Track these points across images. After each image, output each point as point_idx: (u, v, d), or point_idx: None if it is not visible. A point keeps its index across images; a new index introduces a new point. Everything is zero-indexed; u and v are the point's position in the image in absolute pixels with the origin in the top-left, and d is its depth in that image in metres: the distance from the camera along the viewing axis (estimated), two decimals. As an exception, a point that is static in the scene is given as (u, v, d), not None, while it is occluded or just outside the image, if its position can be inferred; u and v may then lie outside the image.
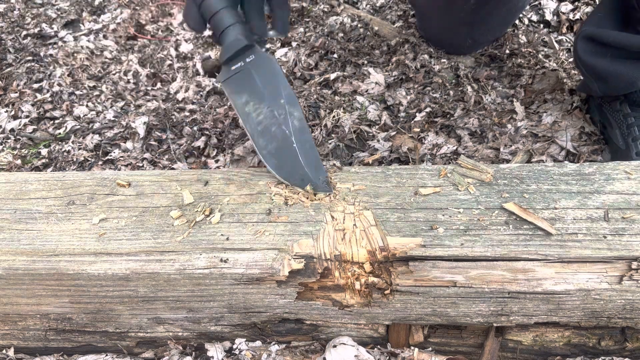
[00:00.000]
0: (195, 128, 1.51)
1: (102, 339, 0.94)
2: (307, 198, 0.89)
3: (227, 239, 0.83)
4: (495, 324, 0.85)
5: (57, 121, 1.61)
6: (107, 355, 0.94)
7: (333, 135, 1.42)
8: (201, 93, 1.66)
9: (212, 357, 0.88)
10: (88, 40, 1.99)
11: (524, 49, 1.64)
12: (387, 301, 0.83)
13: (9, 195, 0.95)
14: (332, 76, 1.61)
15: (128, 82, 1.77)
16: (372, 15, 1.91)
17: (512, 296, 0.80)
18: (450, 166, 0.93)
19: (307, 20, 1.95)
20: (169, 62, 1.83)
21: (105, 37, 2.02)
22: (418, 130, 1.41)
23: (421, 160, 1.33)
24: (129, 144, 1.49)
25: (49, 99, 1.69)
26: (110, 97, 1.69)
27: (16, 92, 1.72)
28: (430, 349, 0.92)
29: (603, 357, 0.88)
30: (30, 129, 1.59)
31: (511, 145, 1.33)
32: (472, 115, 1.43)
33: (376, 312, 0.85)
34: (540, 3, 1.82)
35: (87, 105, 1.65)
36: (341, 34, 1.82)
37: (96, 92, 1.71)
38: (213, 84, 1.69)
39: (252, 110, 0.98)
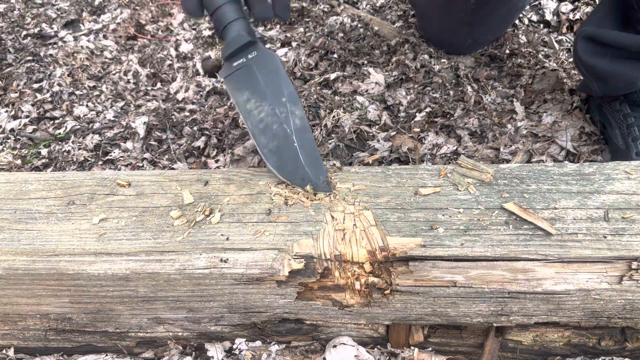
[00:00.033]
0: (195, 128, 1.51)
1: (102, 339, 0.94)
2: (307, 198, 0.89)
3: (227, 239, 0.83)
4: (495, 324, 0.85)
5: (57, 121, 1.61)
6: (107, 355, 0.94)
7: (333, 135, 1.42)
8: (201, 93, 1.66)
9: (212, 357, 0.88)
10: (88, 40, 1.99)
11: (524, 49, 1.64)
12: (387, 301, 0.83)
13: (9, 195, 0.95)
14: (332, 76, 1.61)
15: (128, 82, 1.77)
16: (372, 15, 1.91)
17: (512, 296, 0.80)
18: (450, 166, 0.93)
19: (307, 20, 1.95)
20: (169, 62, 1.83)
21: (105, 37, 2.02)
22: (418, 130, 1.41)
23: (421, 160, 1.33)
24: (129, 144, 1.49)
25: (49, 99, 1.69)
26: (110, 97, 1.69)
27: (16, 92, 1.72)
28: (430, 349, 0.92)
29: (603, 357, 0.88)
30: (30, 129, 1.59)
31: (511, 145, 1.33)
32: (472, 115, 1.43)
33: (376, 312, 0.85)
34: (540, 3, 1.82)
35: (87, 105, 1.65)
36: (341, 34, 1.82)
37: (96, 92, 1.71)
38: (213, 84, 1.69)
39: (253, 107, 0.97)
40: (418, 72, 1.59)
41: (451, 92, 1.51)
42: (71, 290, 0.85)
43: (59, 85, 1.74)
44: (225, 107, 1.59)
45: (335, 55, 1.71)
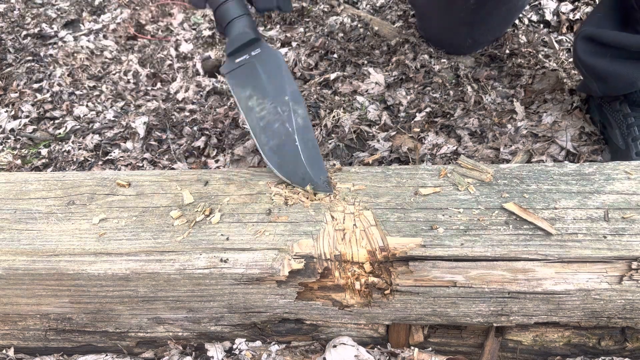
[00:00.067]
0: (195, 128, 1.51)
1: (102, 339, 0.94)
2: (307, 198, 0.89)
3: (227, 239, 0.83)
4: (495, 324, 0.85)
5: (57, 121, 1.61)
6: (107, 355, 0.94)
7: (333, 135, 1.42)
8: (201, 93, 1.66)
9: (212, 357, 0.88)
10: (88, 40, 1.99)
11: (524, 49, 1.64)
12: (387, 301, 0.83)
13: (9, 195, 0.95)
14: (332, 76, 1.61)
15: (128, 82, 1.77)
16: (372, 15, 1.91)
17: (512, 296, 0.80)
18: (450, 166, 0.93)
19: (307, 20, 1.95)
20: (169, 62, 1.83)
21: (105, 37, 2.02)
22: (418, 130, 1.41)
23: (421, 160, 1.33)
24: (129, 144, 1.49)
25: (49, 99, 1.69)
26: (110, 97, 1.69)
27: (16, 92, 1.72)
28: (430, 349, 0.92)
29: (603, 357, 0.88)
30: (30, 129, 1.59)
31: (511, 145, 1.33)
32: (472, 115, 1.43)
33: (376, 312, 0.85)
34: (540, 3, 1.82)
35: (87, 105, 1.65)
36: (341, 34, 1.82)
37: (96, 92, 1.71)
38: (213, 84, 1.69)
39: (255, 104, 0.97)
40: (418, 72, 1.59)
41: (451, 92, 1.51)
42: (71, 290, 0.85)
43: (59, 85, 1.74)
44: (225, 107, 1.59)
45: (335, 55, 1.71)
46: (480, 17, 1.50)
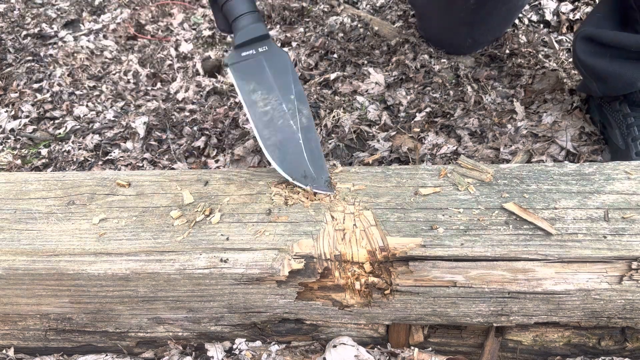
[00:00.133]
0: (195, 128, 1.51)
1: (102, 339, 0.94)
2: (307, 198, 0.89)
3: (227, 239, 0.83)
4: (495, 324, 0.85)
5: (57, 121, 1.61)
6: (107, 355, 0.94)
7: (333, 135, 1.42)
8: (201, 93, 1.66)
9: (212, 357, 0.88)
10: (88, 40, 1.99)
11: (524, 49, 1.64)
12: (387, 301, 0.83)
13: (9, 195, 0.95)
14: (332, 76, 1.61)
15: (128, 82, 1.77)
16: (372, 15, 1.91)
17: (512, 296, 0.80)
18: (450, 166, 0.93)
19: (307, 20, 1.95)
20: (169, 62, 1.84)
21: (105, 37, 2.02)
22: (418, 130, 1.41)
23: (421, 160, 1.33)
24: (129, 144, 1.49)
25: (49, 99, 1.69)
26: (110, 97, 1.69)
27: (16, 92, 1.72)
28: (430, 349, 0.92)
29: (603, 357, 0.88)
30: (30, 129, 1.59)
31: (511, 145, 1.33)
32: (472, 115, 1.43)
33: (376, 312, 0.85)
34: (540, 3, 1.82)
35: (87, 105, 1.65)
36: (341, 34, 1.82)
37: (96, 92, 1.72)
38: (213, 84, 1.69)
39: (259, 99, 0.97)
40: (418, 72, 1.59)
41: (451, 92, 1.51)
42: (71, 290, 0.85)
43: (59, 85, 1.74)
44: (225, 107, 1.59)
45: (335, 55, 1.71)
46: (480, 17, 1.50)
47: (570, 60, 1.59)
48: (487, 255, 0.78)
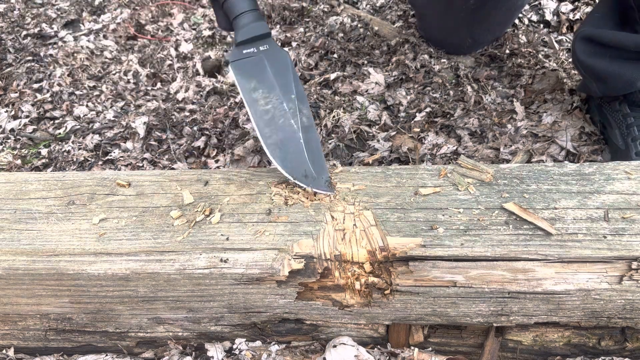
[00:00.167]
0: (195, 128, 1.51)
1: (102, 339, 0.94)
2: (307, 198, 0.89)
3: (227, 239, 0.83)
4: (495, 324, 0.85)
5: (57, 121, 1.61)
6: (107, 355, 0.94)
7: (333, 135, 1.42)
8: (201, 93, 1.66)
9: (212, 357, 0.88)
10: (88, 40, 1.99)
11: (524, 49, 1.64)
12: (387, 301, 0.83)
13: (9, 195, 0.95)
14: (332, 76, 1.61)
15: (128, 82, 1.77)
16: (372, 15, 1.91)
17: (512, 296, 0.80)
18: (450, 166, 0.93)
19: (307, 20, 1.95)
20: (169, 62, 1.84)
21: (105, 37, 2.02)
22: (418, 130, 1.41)
23: (421, 160, 1.33)
24: (129, 144, 1.49)
25: (49, 99, 1.69)
26: (110, 97, 1.69)
27: (16, 92, 1.72)
28: (430, 349, 0.92)
29: (603, 357, 0.88)
30: (30, 129, 1.59)
31: (511, 145, 1.33)
32: (472, 115, 1.43)
33: (376, 312, 0.85)
34: (540, 3, 1.82)
35: (87, 105, 1.65)
36: (341, 34, 1.82)
37: (96, 92, 1.72)
38: (213, 84, 1.69)
39: (260, 97, 0.97)
40: (418, 72, 1.59)
41: (451, 92, 1.51)
42: (71, 290, 0.85)
43: (59, 85, 1.74)
44: (225, 107, 1.59)
45: (335, 55, 1.71)
46: (480, 17, 1.50)
47: (570, 60, 1.59)
48: (487, 255, 0.78)
